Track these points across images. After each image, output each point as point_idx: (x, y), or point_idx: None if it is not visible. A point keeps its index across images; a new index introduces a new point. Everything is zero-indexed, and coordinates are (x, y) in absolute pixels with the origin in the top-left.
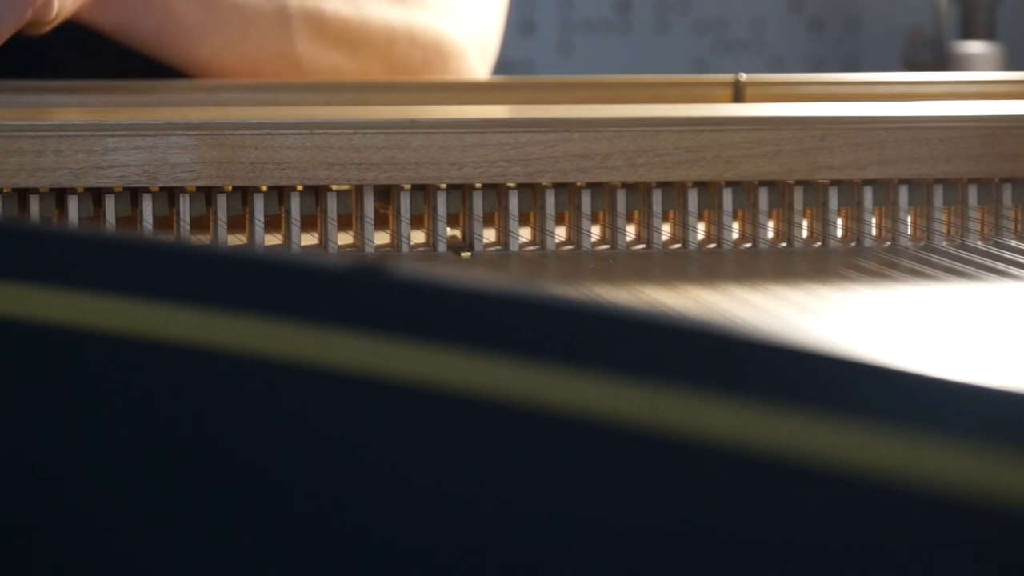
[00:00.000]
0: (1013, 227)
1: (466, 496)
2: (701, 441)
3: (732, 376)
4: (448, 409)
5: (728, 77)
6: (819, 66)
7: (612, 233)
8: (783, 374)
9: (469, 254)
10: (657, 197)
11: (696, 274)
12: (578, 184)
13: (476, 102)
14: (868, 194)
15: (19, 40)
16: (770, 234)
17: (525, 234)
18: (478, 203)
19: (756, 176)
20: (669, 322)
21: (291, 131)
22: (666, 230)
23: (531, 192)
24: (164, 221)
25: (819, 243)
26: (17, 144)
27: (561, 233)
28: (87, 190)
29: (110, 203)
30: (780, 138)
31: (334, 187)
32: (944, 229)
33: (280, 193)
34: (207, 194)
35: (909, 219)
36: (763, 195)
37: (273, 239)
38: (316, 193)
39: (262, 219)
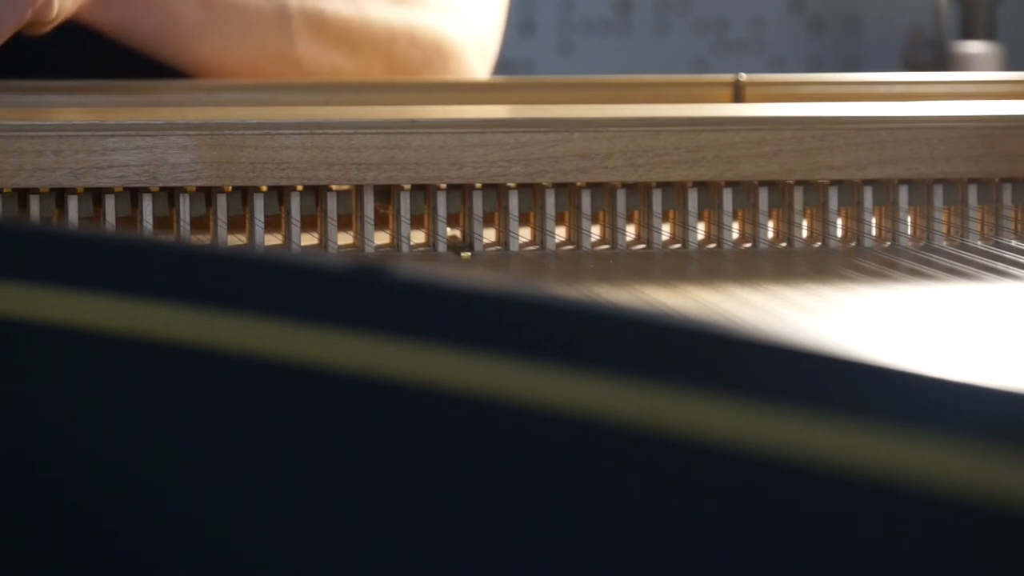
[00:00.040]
0: (1013, 227)
1: (466, 496)
2: (701, 441)
3: (732, 376)
4: (448, 409)
5: (728, 77)
6: (819, 66)
7: (612, 233)
8: (783, 374)
9: (469, 254)
10: (657, 197)
11: (696, 274)
12: (578, 184)
13: (476, 102)
14: (868, 194)
15: (19, 40)
16: (770, 234)
17: (525, 234)
18: (478, 203)
19: (756, 176)
20: (669, 322)
21: (291, 131)
22: (666, 230)
23: (531, 192)
24: (164, 221)
25: (819, 243)
26: (17, 144)
27: (561, 233)
28: (87, 190)
29: (110, 203)
30: (780, 138)
31: (334, 187)
32: (944, 229)
33: (280, 193)
34: (207, 194)
35: (909, 219)
36: (763, 195)
37: (273, 239)
38: (316, 193)
39: (262, 219)
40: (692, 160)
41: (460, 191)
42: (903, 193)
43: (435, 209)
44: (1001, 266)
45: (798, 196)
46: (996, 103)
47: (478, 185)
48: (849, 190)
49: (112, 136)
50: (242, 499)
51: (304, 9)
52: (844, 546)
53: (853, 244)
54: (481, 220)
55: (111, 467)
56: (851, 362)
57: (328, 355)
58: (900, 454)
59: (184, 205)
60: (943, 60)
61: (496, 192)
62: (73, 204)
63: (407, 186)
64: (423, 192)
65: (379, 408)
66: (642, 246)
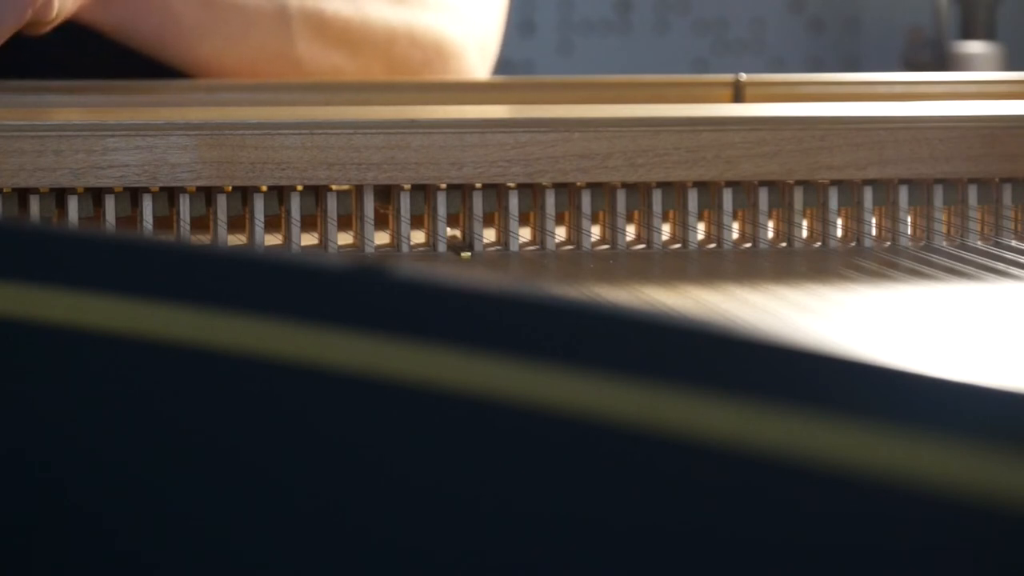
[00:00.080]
0: (1013, 227)
1: (466, 496)
2: (701, 441)
3: (732, 376)
4: (448, 409)
5: (728, 77)
6: (819, 66)
7: (612, 233)
8: (783, 374)
9: (469, 254)
10: (657, 197)
11: (696, 274)
12: (578, 184)
13: (476, 102)
14: (868, 194)
15: (19, 40)
16: (770, 234)
17: (525, 234)
18: (478, 203)
19: (756, 176)
20: (669, 322)
21: (291, 131)
22: (666, 230)
23: (531, 192)
24: (164, 221)
25: (819, 243)
26: (17, 144)
27: (561, 233)
28: (87, 190)
29: (110, 203)
30: (780, 138)
31: (334, 187)
32: (944, 229)
33: (280, 193)
34: (207, 194)
35: (909, 219)
36: (763, 195)
37: (273, 239)
38: (316, 193)
39: (262, 219)
40: (692, 160)
41: (460, 191)
42: (903, 193)
43: (435, 209)
44: (1001, 266)
45: (798, 196)
46: (996, 103)
47: (478, 185)
48: (849, 190)
49: (112, 136)
50: (242, 499)
51: (304, 9)
52: (844, 546)
53: (853, 244)
54: (481, 220)
55: (111, 467)
56: (851, 362)
57: (328, 355)
58: (900, 454)
59: (184, 205)
60: (943, 60)
61: (496, 192)
62: (73, 204)
63: (407, 186)
64: (423, 192)
65: (379, 408)
66: (642, 246)
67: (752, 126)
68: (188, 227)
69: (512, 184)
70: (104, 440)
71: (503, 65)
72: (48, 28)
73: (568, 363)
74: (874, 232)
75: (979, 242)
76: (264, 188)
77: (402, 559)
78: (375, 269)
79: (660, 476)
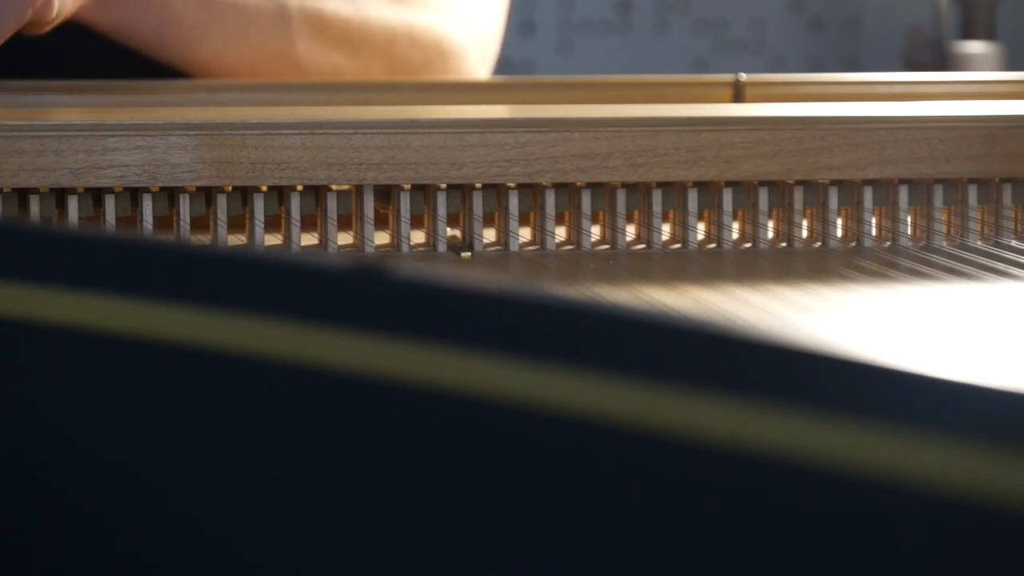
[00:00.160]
0: (1013, 227)
1: (466, 496)
2: (701, 441)
3: (732, 376)
4: (448, 409)
5: (728, 77)
6: (819, 66)
7: (612, 233)
8: (783, 374)
9: (469, 254)
10: (657, 197)
11: (696, 274)
12: (578, 184)
13: (476, 102)
14: (868, 194)
15: (19, 40)
16: (770, 234)
17: (525, 234)
18: (478, 203)
19: (756, 176)
20: (669, 322)
21: (291, 131)
22: (666, 230)
23: (531, 192)
24: (164, 221)
25: (819, 243)
26: (17, 144)
27: (561, 233)
28: (87, 190)
29: (110, 203)
30: (780, 138)
31: (334, 187)
32: (944, 229)
33: (280, 193)
34: (207, 194)
35: (909, 219)
36: (763, 195)
37: (273, 239)
38: (316, 193)
39: (262, 219)
40: (692, 160)
41: (460, 191)
42: (903, 193)
43: (435, 209)
44: (1001, 266)
45: (798, 196)
46: (996, 103)
47: (478, 185)
48: (849, 190)
49: (112, 136)
50: (242, 499)
51: (304, 9)
52: (844, 546)
53: (853, 244)
54: (481, 220)
55: (111, 467)
56: (851, 362)
57: (328, 355)
58: (900, 454)
59: (184, 205)
60: (943, 60)
61: (496, 192)
62: (73, 204)
63: (407, 186)
64: (423, 192)
65: (379, 408)
66: (642, 246)
67: (752, 126)
68: (188, 227)
69: (512, 184)
70: (104, 440)
71: (503, 65)
72: (48, 28)
73: (568, 363)
74: (874, 232)
75: (979, 242)
76: (264, 188)
77: (402, 559)
78: (375, 269)
79: (660, 476)
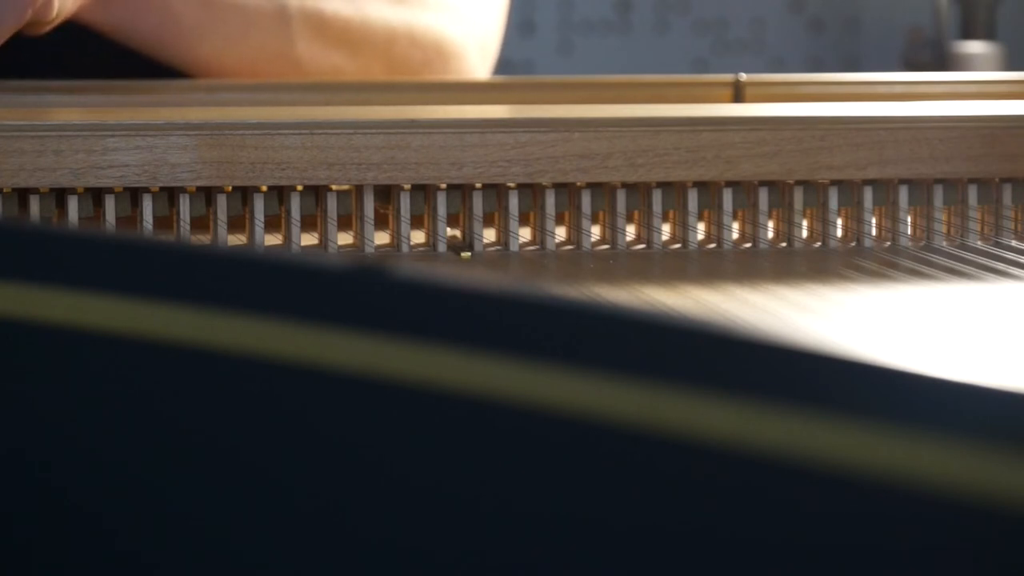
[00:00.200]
0: (1013, 227)
1: (466, 496)
2: (701, 441)
3: (732, 376)
4: (448, 409)
5: (728, 77)
6: (819, 66)
7: (612, 233)
8: (783, 374)
9: (469, 254)
10: (657, 197)
11: (696, 274)
12: (578, 184)
13: (476, 102)
14: (868, 194)
15: (19, 40)
16: (770, 234)
17: (525, 234)
18: (478, 203)
19: (756, 176)
20: (669, 322)
21: (291, 131)
22: (666, 230)
23: (531, 192)
24: (164, 221)
25: (819, 243)
26: (17, 144)
27: (561, 233)
28: (87, 190)
29: (110, 203)
30: (780, 138)
31: (334, 187)
32: (944, 229)
33: (280, 193)
34: (207, 194)
35: (909, 219)
36: (763, 195)
37: (273, 239)
38: (316, 193)
39: (262, 219)
40: (692, 160)
41: (460, 191)
42: (903, 193)
43: (435, 209)
44: (1001, 266)
45: (798, 196)
46: (996, 103)
47: (478, 185)
48: (849, 190)
49: (112, 136)
50: (242, 499)
51: (304, 9)
52: (844, 546)
53: (853, 244)
54: (481, 220)
55: (111, 467)
56: (851, 362)
57: (328, 355)
58: (900, 454)
59: (184, 205)
60: (943, 60)
61: (496, 192)
62: (73, 204)
63: (407, 186)
64: (423, 192)
65: (379, 408)
66: (642, 246)
67: (752, 126)
68: (188, 227)
69: (512, 184)
70: (104, 440)
71: (503, 65)
72: (48, 28)
73: (568, 363)
74: (874, 232)
75: (979, 242)
76: (264, 188)
77: (402, 559)
78: (375, 269)
79: (660, 476)
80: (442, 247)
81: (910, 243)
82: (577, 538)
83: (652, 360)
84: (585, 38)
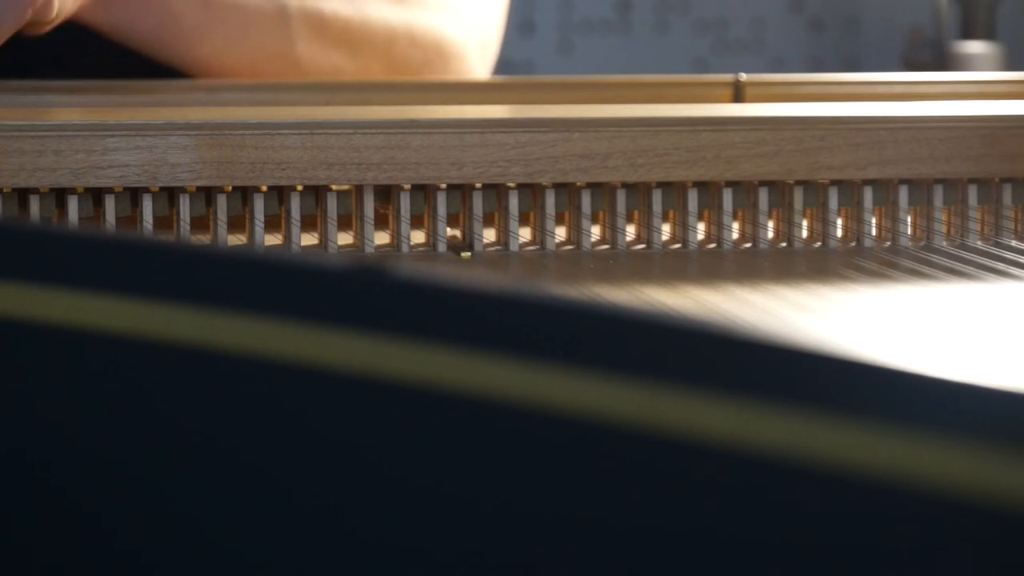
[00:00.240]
0: (1013, 227)
1: (466, 496)
2: (701, 441)
3: (732, 376)
4: (448, 409)
5: (728, 77)
6: (819, 66)
7: (612, 233)
8: (783, 374)
9: (469, 254)
10: (657, 197)
11: (696, 274)
12: (578, 184)
13: (476, 102)
14: (868, 194)
15: (19, 40)
16: (770, 234)
17: (525, 234)
18: (478, 203)
19: (756, 176)
20: (669, 322)
21: (291, 131)
22: (666, 230)
23: (531, 192)
24: (164, 221)
25: (819, 243)
26: (17, 144)
27: (561, 233)
28: (87, 190)
29: (110, 203)
30: (780, 138)
31: (334, 187)
32: (944, 229)
33: (280, 193)
34: (207, 194)
35: (909, 219)
36: (763, 195)
37: (273, 239)
38: (316, 193)
39: (262, 219)
40: (692, 160)
41: (460, 191)
42: (903, 193)
43: (435, 209)
44: (1001, 266)
45: (798, 196)
46: (996, 103)
47: (478, 185)
48: (849, 190)
49: (112, 136)
50: (242, 499)
51: (304, 9)
52: (844, 546)
53: (853, 244)
54: (481, 220)
55: (111, 467)
56: (851, 362)
57: (328, 355)
58: (900, 454)
59: (184, 205)
60: (943, 60)
61: (496, 192)
62: (73, 204)
63: (407, 186)
64: (423, 192)
65: (379, 408)
66: (642, 246)
67: (752, 126)
68: (188, 227)
69: (512, 184)
70: (104, 440)
71: (503, 65)
72: (48, 28)
73: (568, 363)
74: (874, 232)
75: (979, 242)
76: (264, 188)
77: (402, 559)
78: (375, 269)
79: (660, 476)
80: (442, 247)
81: (910, 243)
82: (577, 538)
83: (652, 360)
84: (585, 38)
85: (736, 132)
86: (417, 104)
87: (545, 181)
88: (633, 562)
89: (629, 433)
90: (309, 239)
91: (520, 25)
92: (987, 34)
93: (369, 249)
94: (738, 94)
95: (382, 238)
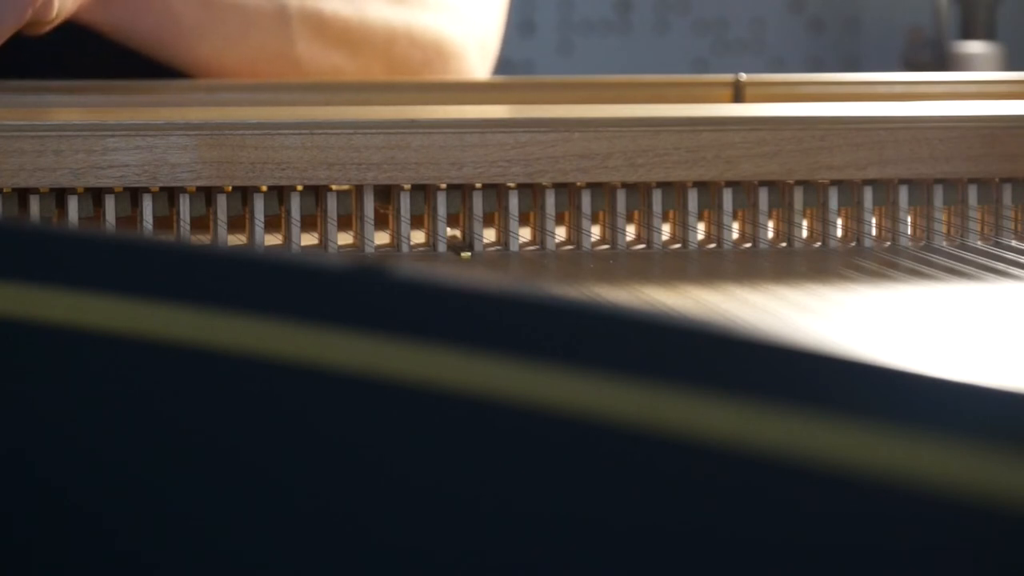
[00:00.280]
0: (1013, 227)
1: (466, 496)
2: (701, 441)
3: (732, 376)
4: (448, 409)
5: (728, 77)
6: (819, 66)
7: (612, 233)
8: (783, 374)
9: (469, 254)
10: (657, 197)
11: (696, 274)
12: (578, 184)
13: (476, 102)
14: (868, 194)
15: (19, 40)
16: (770, 234)
17: (525, 234)
18: (478, 203)
19: (756, 176)
20: (669, 322)
21: (291, 131)
22: (666, 230)
23: (531, 192)
24: (164, 221)
25: (819, 243)
26: (17, 144)
27: (561, 233)
28: (87, 190)
29: (110, 203)
30: (780, 138)
31: (334, 187)
32: (944, 229)
33: (280, 193)
34: (207, 194)
35: (909, 219)
36: (763, 195)
37: (273, 239)
38: (316, 193)
39: (262, 219)
40: (692, 160)
41: (460, 191)
42: (903, 193)
43: (435, 209)
44: (1001, 266)
45: (798, 196)
46: (996, 103)
47: (478, 185)
48: (849, 190)
49: (112, 136)
50: (242, 499)
51: (304, 9)
52: (844, 546)
53: (853, 244)
54: (481, 220)
55: (111, 467)
56: (851, 362)
57: (328, 355)
58: (900, 454)
59: (184, 205)
60: (943, 60)
61: (496, 192)
62: (73, 204)
63: (407, 186)
64: (423, 192)
65: (379, 408)
66: (642, 246)
67: (752, 126)
68: (188, 227)
69: (512, 184)
70: (104, 440)
71: (503, 65)
72: (48, 28)
73: (568, 363)
74: (874, 232)
75: (979, 242)
76: (264, 188)
77: (402, 559)
78: (375, 269)
79: (660, 476)
80: (442, 247)
81: (910, 243)
82: (577, 538)
83: (652, 360)
84: (585, 38)
85: (736, 132)
86: (417, 104)
87: (545, 181)
88: (633, 562)
89: (629, 433)
90: (309, 239)
91: (520, 25)
92: (987, 34)
93: (369, 249)
94: (738, 94)
95: (382, 238)
